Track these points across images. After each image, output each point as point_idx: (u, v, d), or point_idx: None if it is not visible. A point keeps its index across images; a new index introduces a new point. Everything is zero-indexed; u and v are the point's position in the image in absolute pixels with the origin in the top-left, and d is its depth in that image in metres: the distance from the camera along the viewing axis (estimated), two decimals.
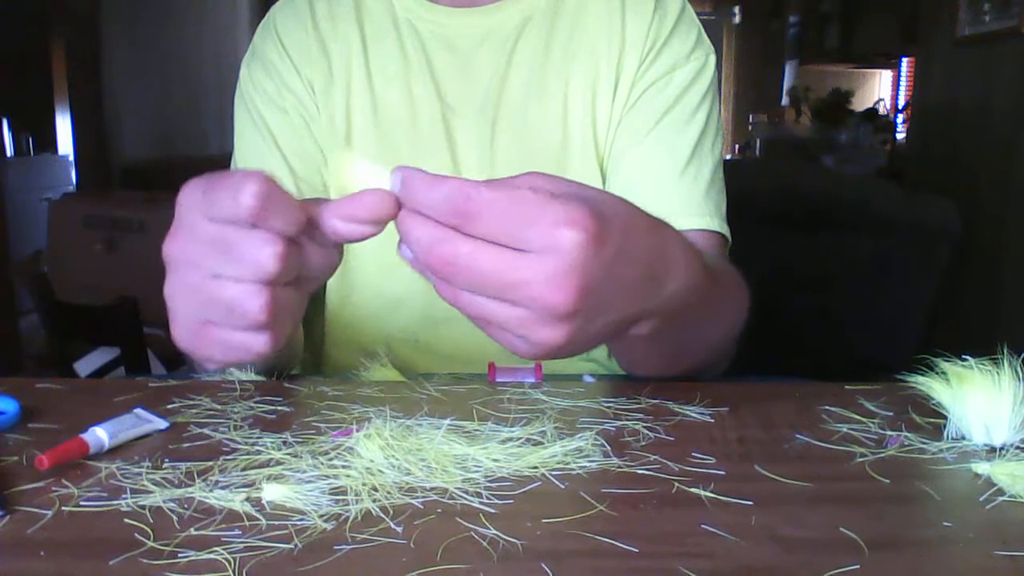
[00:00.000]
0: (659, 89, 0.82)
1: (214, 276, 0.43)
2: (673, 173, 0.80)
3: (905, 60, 5.39)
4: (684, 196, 0.79)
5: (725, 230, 0.81)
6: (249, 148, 0.85)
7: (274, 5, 0.89)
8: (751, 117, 5.95)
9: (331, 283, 0.87)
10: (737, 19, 6.51)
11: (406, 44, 0.84)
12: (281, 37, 0.85)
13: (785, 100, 6.06)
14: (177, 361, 2.08)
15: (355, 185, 0.45)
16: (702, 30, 0.86)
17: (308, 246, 0.45)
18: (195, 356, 0.47)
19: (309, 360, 0.91)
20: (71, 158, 4.04)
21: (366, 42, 0.84)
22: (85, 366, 2.19)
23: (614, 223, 0.43)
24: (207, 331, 0.45)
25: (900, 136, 4.47)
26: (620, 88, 0.82)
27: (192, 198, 0.44)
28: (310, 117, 0.84)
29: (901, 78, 5.67)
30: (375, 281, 0.84)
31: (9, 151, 3.91)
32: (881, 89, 6.12)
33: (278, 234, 0.42)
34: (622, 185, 0.81)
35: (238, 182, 0.42)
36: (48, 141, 4.04)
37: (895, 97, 5.76)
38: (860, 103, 5.45)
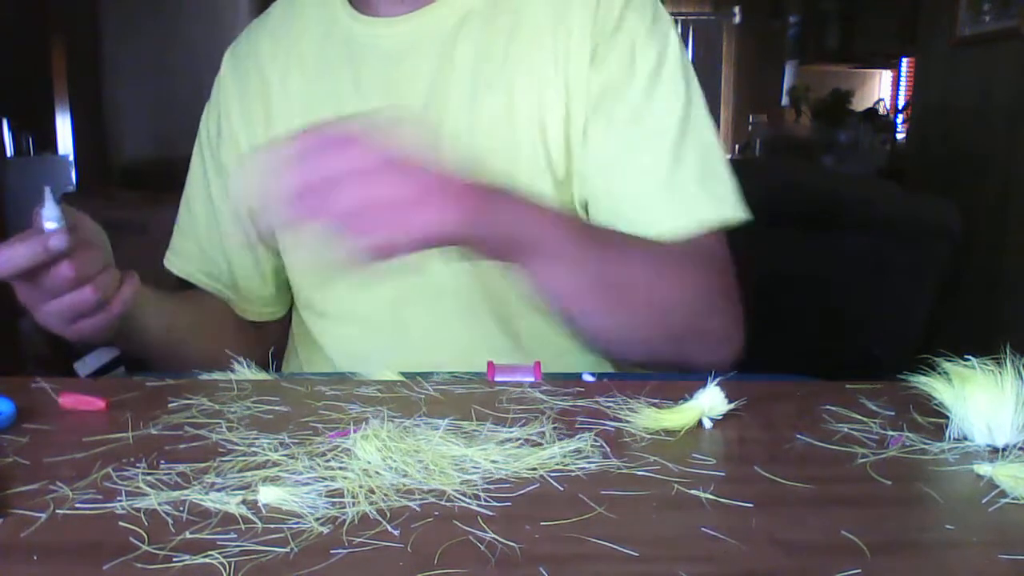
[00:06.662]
0: (625, 80, 0.76)
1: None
2: (656, 183, 0.76)
3: (905, 60, 5.38)
4: (671, 206, 0.75)
5: (715, 219, 0.76)
6: (193, 174, 0.93)
7: (232, 44, 0.92)
8: (751, 117, 5.93)
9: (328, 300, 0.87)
10: (737, 19, 6.49)
11: (341, 61, 0.84)
12: (224, 83, 0.90)
13: (785, 100, 6.05)
14: None
15: None
16: (659, 4, 0.80)
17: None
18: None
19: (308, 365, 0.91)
20: (71, 158, 4.03)
21: (305, 67, 0.85)
22: (85, 366, 2.18)
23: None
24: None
25: (900, 136, 4.46)
26: (573, 88, 0.77)
27: None
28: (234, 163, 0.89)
29: (901, 78, 5.66)
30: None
31: (9, 151, 3.89)
32: (881, 89, 6.10)
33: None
34: (608, 204, 0.77)
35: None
36: (48, 141, 4.03)
37: (895, 97, 5.75)
38: (860, 103, 5.44)
